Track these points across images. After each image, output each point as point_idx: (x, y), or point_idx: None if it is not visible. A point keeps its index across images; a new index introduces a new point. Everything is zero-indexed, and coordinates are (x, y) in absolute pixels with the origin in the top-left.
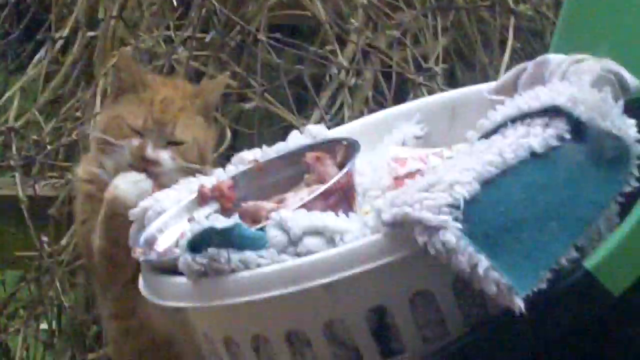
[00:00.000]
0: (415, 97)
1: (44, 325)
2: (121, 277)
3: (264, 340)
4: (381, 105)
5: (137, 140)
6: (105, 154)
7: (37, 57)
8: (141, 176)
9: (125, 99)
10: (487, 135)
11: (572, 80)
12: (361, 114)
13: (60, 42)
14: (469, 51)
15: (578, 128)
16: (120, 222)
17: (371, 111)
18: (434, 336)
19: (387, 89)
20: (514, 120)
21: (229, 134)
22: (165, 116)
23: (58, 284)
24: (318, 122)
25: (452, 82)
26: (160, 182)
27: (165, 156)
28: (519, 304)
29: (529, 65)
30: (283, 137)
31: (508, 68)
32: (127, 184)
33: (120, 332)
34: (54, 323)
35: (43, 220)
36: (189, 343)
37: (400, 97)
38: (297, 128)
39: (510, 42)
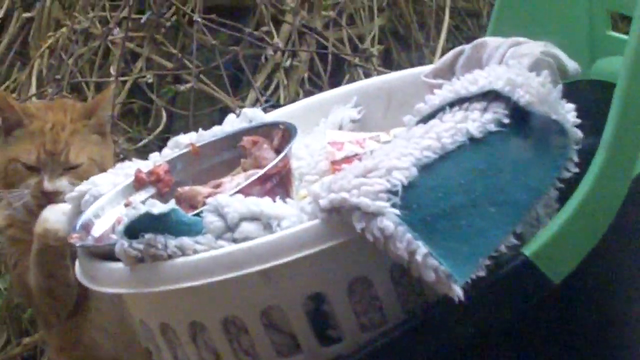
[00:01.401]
0: (352, 78)
1: None
2: (63, 310)
3: (200, 327)
4: (317, 87)
5: (34, 178)
6: (10, 199)
7: None
8: (68, 206)
9: (14, 138)
10: (425, 119)
11: (511, 63)
12: (297, 95)
13: None
14: (405, 31)
15: (517, 112)
16: (53, 254)
17: (307, 92)
18: (372, 324)
19: (323, 70)
20: (452, 104)
21: (164, 115)
22: (57, 145)
23: None
24: (254, 103)
25: (388, 63)
26: None
27: (63, 183)
28: (458, 291)
29: (467, 48)
30: (219, 119)
31: (444, 49)
32: (56, 215)
33: None
34: None
35: None
36: None
37: (336, 78)
38: (233, 110)
39: (446, 23)
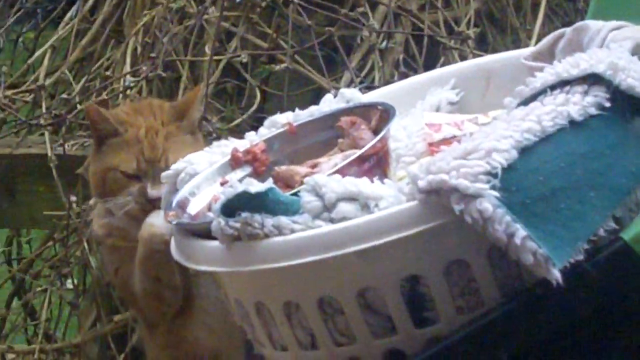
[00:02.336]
0: (447, 61)
1: (69, 286)
2: (169, 312)
3: (295, 306)
4: (412, 69)
5: (136, 184)
6: (111, 207)
7: (68, 15)
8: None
9: (109, 147)
10: (525, 102)
11: (612, 47)
12: (391, 77)
13: (91, 1)
14: (501, 15)
15: (618, 96)
16: (159, 258)
17: (402, 75)
18: (468, 306)
19: (418, 53)
20: (553, 87)
21: (258, 95)
22: (156, 152)
23: (85, 244)
24: (348, 84)
25: (484, 46)
26: None
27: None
28: (556, 275)
29: (567, 31)
30: (312, 100)
31: (540, 32)
32: (161, 220)
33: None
34: (80, 283)
35: (72, 179)
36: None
37: (431, 61)
38: (327, 90)
39: (543, 6)
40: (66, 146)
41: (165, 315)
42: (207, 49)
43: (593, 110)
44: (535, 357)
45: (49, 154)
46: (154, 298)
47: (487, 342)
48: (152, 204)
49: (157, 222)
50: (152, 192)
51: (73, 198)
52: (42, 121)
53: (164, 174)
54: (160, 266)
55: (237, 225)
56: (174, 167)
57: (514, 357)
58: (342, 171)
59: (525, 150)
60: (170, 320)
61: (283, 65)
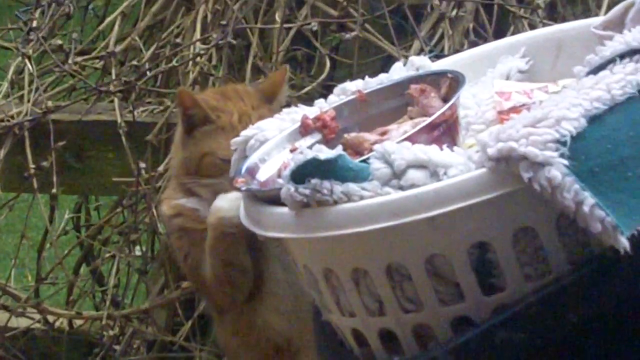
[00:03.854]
0: (516, 30)
1: (137, 252)
2: (240, 296)
3: (364, 273)
4: (481, 38)
5: None
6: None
7: None
8: (239, 193)
9: (202, 133)
10: (594, 71)
11: None
12: (461, 46)
13: None
14: None
15: None
16: (230, 241)
17: (471, 43)
18: (536, 274)
19: (487, 21)
20: (622, 56)
21: (327, 63)
22: None
23: (154, 211)
24: (417, 53)
25: (553, 15)
26: None
27: None
28: (624, 243)
29: (638, 1)
30: (382, 68)
31: (610, 1)
32: (229, 203)
33: (242, 346)
34: (148, 250)
35: (141, 146)
36: (306, 341)
37: (500, 30)
38: (397, 59)
39: None
40: (135, 113)
41: (235, 301)
42: (277, 17)
43: None
44: (602, 325)
45: (119, 120)
46: (226, 283)
47: (555, 310)
48: None
49: (225, 205)
50: None
51: (142, 165)
52: (111, 88)
53: (233, 140)
54: (231, 249)
55: (307, 191)
56: (244, 133)
57: (582, 324)
58: (411, 139)
59: (594, 119)
60: (240, 305)
61: (353, 34)
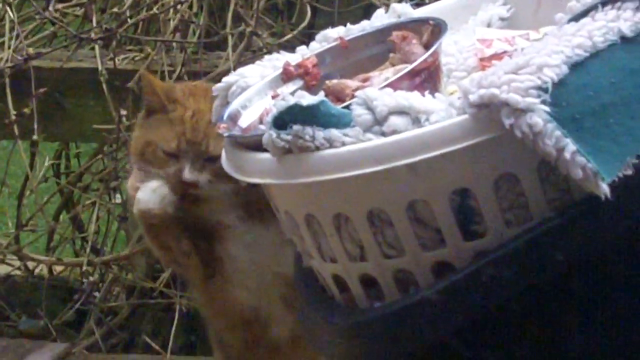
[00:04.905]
0: None
1: (118, 200)
2: (194, 277)
3: (345, 219)
4: None
5: (174, 164)
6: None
7: None
8: (159, 182)
9: (155, 121)
10: (576, 18)
11: None
12: None
13: None
14: None
15: None
16: (157, 230)
17: None
18: (517, 220)
19: None
20: (604, 3)
21: (308, 11)
22: (197, 134)
23: None
24: (399, 0)
25: None
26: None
27: (203, 179)
28: (605, 189)
29: None
30: (363, 16)
31: None
32: (145, 195)
33: (212, 316)
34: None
35: (122, 93)
36: (275, 314)
37: None
38: (378, 7)
39: None
40: (116, 60)
41: (194, 279)
42: None
43: None
44: (588, 267)
45: (100, 67)
46: (173, 264)
47: (540, 250)
48: (185, 188)
49: (143, 197)
50: (188, 175)
51: (123, 112)
52: (92, 35)
53: (215, 86)
54: (161, 237)
55: (289, 137)
56: (226, 79)
57: (569, 264)
58: (393, 85)
59: (575, 66)
60: (204, 283)
61: None
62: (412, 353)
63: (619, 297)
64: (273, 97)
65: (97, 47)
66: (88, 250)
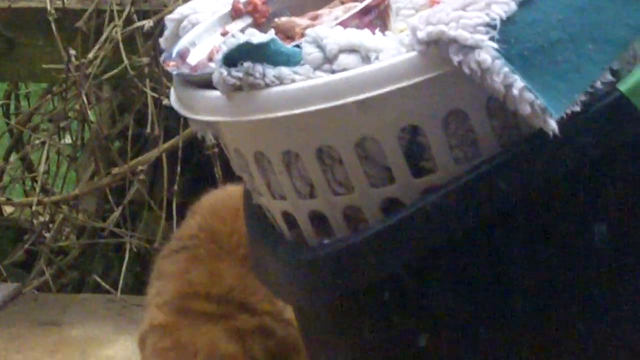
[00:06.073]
0: None
1: (68, 141)
2: None
3: (295, 156)
4: None
5: None
6: None
7: None
8: None
9: None
10: None
11: None
12: None
13: None
14: None
15: None
16: None
17: None
18: (466, 156)
19: None
20: None
21: None
22: None
23: (84, 98)
24: None
25: None
26: None
27: None
28: (553, 125)
29: None
30: None
31: None
32: None
33: None
34: (78, 137)
35: (71, 33)
36: None
37: None
38: None
39: None
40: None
41: None
42: None
43: None
44: (533, 200)
45: (48, 7)
46: None
47: (482, 191)
48: None
49: None
50: None
51: (72, 52)
52: None
53: (167, 17)
54: None
55: (239, 74)
56: (179, 11)
57: (514, 196)
58: (343, 23)
59: (524, 3)
60: None
61: None
62: (361, 288)
63: (564, 230)
64: (222, 35)
65: None
66: (38, 190)
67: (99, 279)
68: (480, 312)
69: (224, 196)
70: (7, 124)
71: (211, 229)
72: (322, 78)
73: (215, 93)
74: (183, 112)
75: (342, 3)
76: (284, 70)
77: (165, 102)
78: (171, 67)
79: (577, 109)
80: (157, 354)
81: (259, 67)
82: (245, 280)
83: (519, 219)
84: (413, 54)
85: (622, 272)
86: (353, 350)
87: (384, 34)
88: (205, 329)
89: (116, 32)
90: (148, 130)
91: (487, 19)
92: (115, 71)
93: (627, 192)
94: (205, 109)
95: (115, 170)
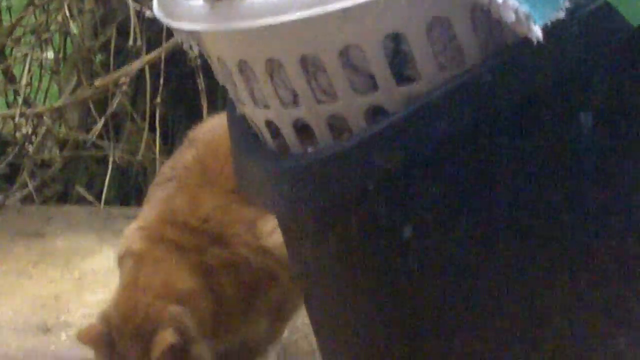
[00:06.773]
0: None
1: (50, 55)
2: None
3: (278, 65)
4: None
5: None
6: None
7: None
8: None
9: None
10: None
11: None
12: None
13: None
14: None
15: None
16: None
17: None
18: (450, 64)
19: None
20: None
21: None
22: None
23: (66, 10)
24: None
25: None
26: None
27: None
28: (537, 32)
29: None
30: None
31: None
32: None
33: None
34: (60, 50)
35: None
36: None
37: None
38: None
39: None
40: None
41: None
42: None
43: None
44: (515, 114)
45: None
46: None
47: (468, 98)
48: None
49: None
50: None
51: None
52: None
53: None
54: None
55: None
56: None
57: (493, 114)
58: None
59: None
60: None
61: None
62: (342, 197)
63: (550, 123)
64: None
65: None
66: (20, 102)
67: (82, 191)
68: (464, 203)
69: (221, 132)
70: None
71: (204, 164)
72: None
73: (198, 2)
74: (165, 20)
75: None
76: None
77: (148, 13)
78: None
79: (562, 15)
80: (123, 285)
81: None
82: (225, 212)
83: (505, 118)
84: None
85: (606, 160)
86: (338, 244)
87: None
88: (171, 262)
89: None
90: (130, 42)
91: None
92: None
93: (612, 84)
94: (187, 17)
95: (97, 83)
